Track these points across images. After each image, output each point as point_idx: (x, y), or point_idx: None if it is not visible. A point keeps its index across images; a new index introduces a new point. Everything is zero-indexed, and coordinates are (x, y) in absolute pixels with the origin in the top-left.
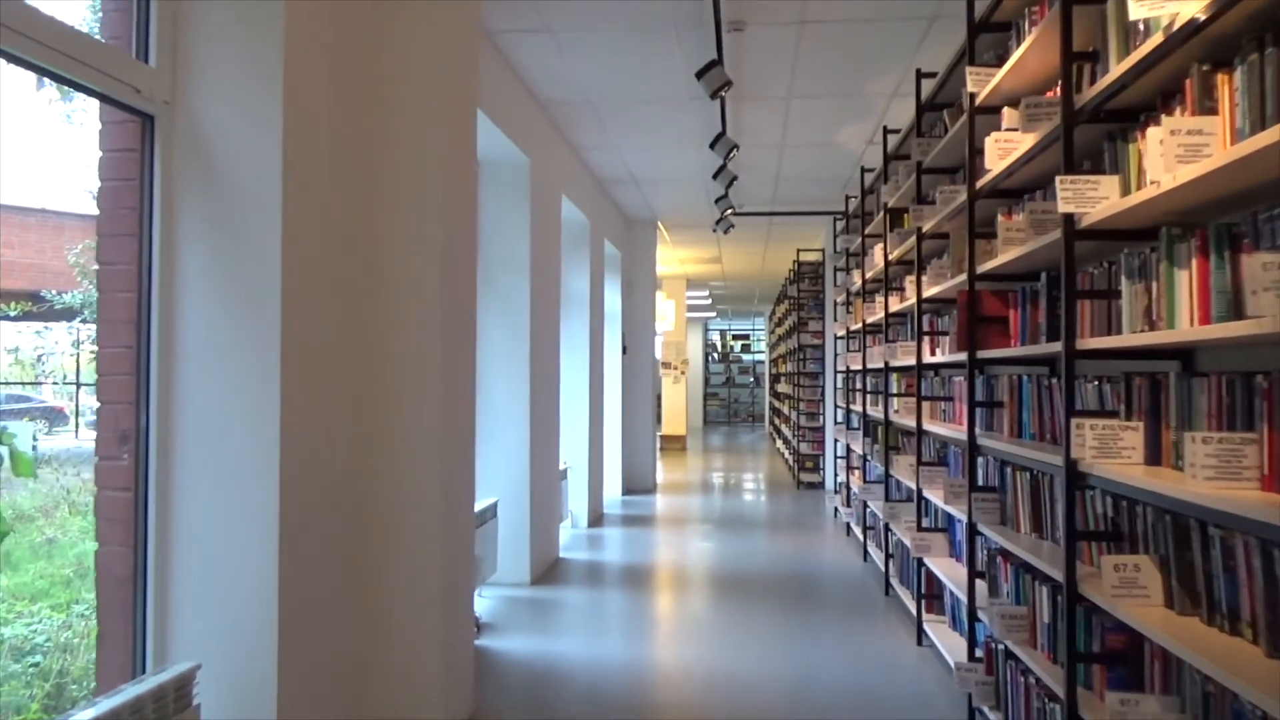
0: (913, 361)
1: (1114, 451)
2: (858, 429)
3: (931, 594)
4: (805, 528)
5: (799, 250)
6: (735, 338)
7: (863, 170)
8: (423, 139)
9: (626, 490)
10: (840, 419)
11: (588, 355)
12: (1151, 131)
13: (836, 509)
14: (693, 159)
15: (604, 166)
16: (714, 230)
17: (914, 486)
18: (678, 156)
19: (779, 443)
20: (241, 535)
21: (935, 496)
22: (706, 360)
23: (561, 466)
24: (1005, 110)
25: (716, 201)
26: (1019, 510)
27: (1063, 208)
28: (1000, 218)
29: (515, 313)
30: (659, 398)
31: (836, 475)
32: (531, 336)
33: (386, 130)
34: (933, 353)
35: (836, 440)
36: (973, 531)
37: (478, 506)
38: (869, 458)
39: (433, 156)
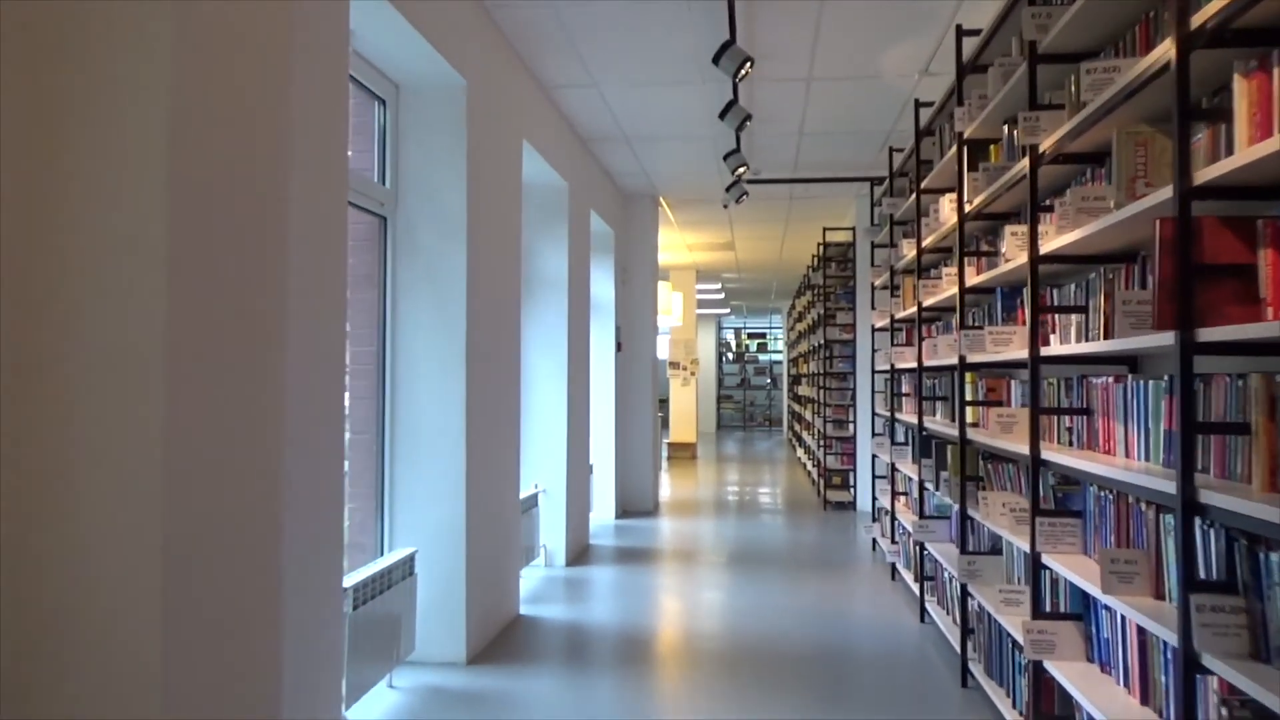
0: (1016, 353)
1: None
2: (906, 444)
3: (1056, 716)
4: (837, 566)
5: (825, 230)
6: (751, 336)
7: (917, 106)
8: None
9: (622, 512)
10: (880, 430)
11: (565, 352)
12: None
13: (875, 541)
14: (695, 104)
15: (585, 116)
16: (725, 206)
17: (1023, 545)
18: (676, 99)
19: (799, 451)
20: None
21: (1070, 569)
22: (720, 360)
23: (530, 491)
24: None
25: (726, 158)
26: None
27: None
28: (1240, 81)
29: (446, 292)
30: (664, 402)
31: (874, 498)
32: (472, 326)
33: None
34: (1045, 341)
35: (874, 457)
36: (1192, 665)
37: (378, 566)
38: (929, 485)
39: None
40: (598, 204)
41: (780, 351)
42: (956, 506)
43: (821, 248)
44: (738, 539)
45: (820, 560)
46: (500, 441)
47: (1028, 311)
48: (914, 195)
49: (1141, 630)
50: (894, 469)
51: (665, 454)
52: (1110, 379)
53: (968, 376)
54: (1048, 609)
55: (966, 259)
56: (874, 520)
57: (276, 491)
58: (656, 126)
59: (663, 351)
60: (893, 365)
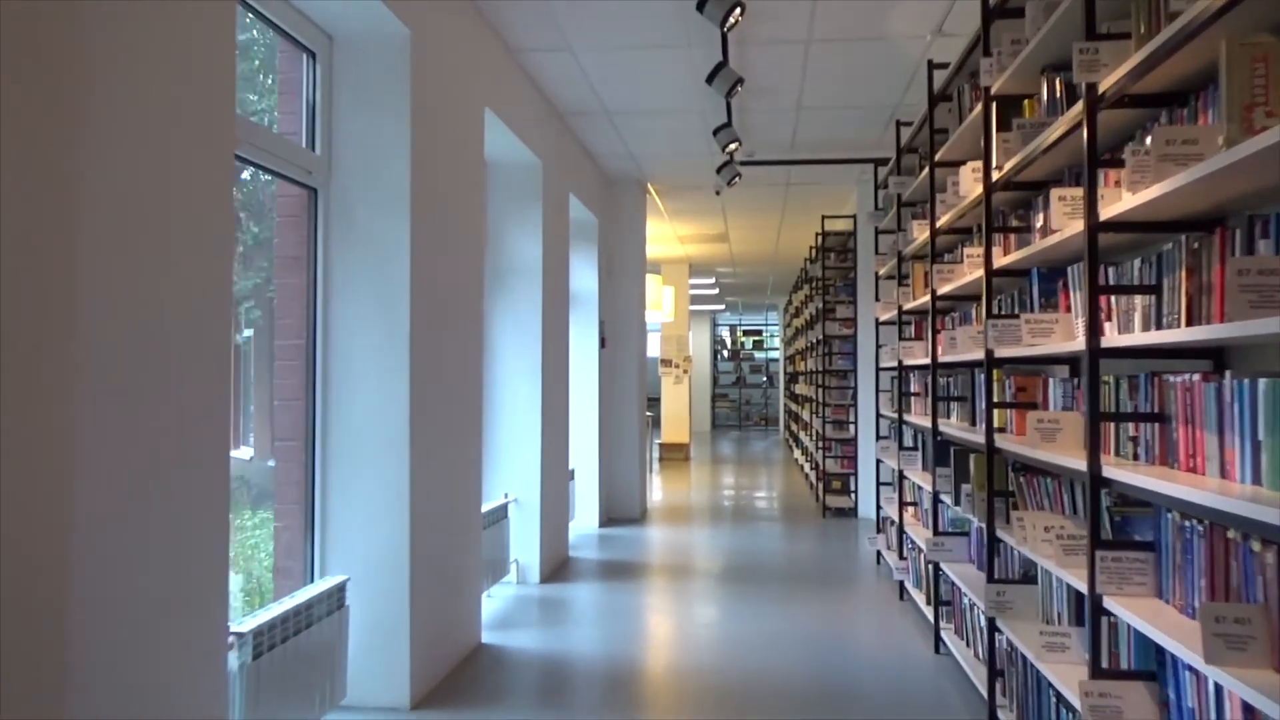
0: (1061, 346)
1: None
2: (915, 449)
3: None
4: (839, 582)
5: (823, 218)
6: (746, 333)
7: (931, 68)
8: None
9: (607, 520)
10: (885, 432)
11: (540, 347)
12: None
13: (879, 554)
14: (681, 72)
15: (559, 84)
16: (717, 192)
17: (1075, 582)
18: (660, 66)
19: (796, 452)
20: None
21: (1143, 618)
22: (715, 358)
23: (499, 501)
24: None
25: (716, 133)
26: None
27: None
28: None
29: (387, 276)
30: (655, 401)
31: (879, 507)
32: (418, 315)
33: None
34: (1100, 330)
35: (879, 462)
36: None
37: (293, 601)
38: (945, 497)
39: None
40: (579, 188)
41: (776, 349)
42: (978, 522)
43: (820, 238)
44: (731, 550)
45: (821, 575)
46: (457, 447)
47: (1079, 294)
48: (927, 169)
49: (1250, 709)
50: (901, 477)
51: (657, 455)
52: (1194, 377)
53: (994, 374)
54: (1106, 663)
55: (998, 237)
56: (878, 531)
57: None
58: (640, 98)
59: (654, 349)
60: (900, 362)
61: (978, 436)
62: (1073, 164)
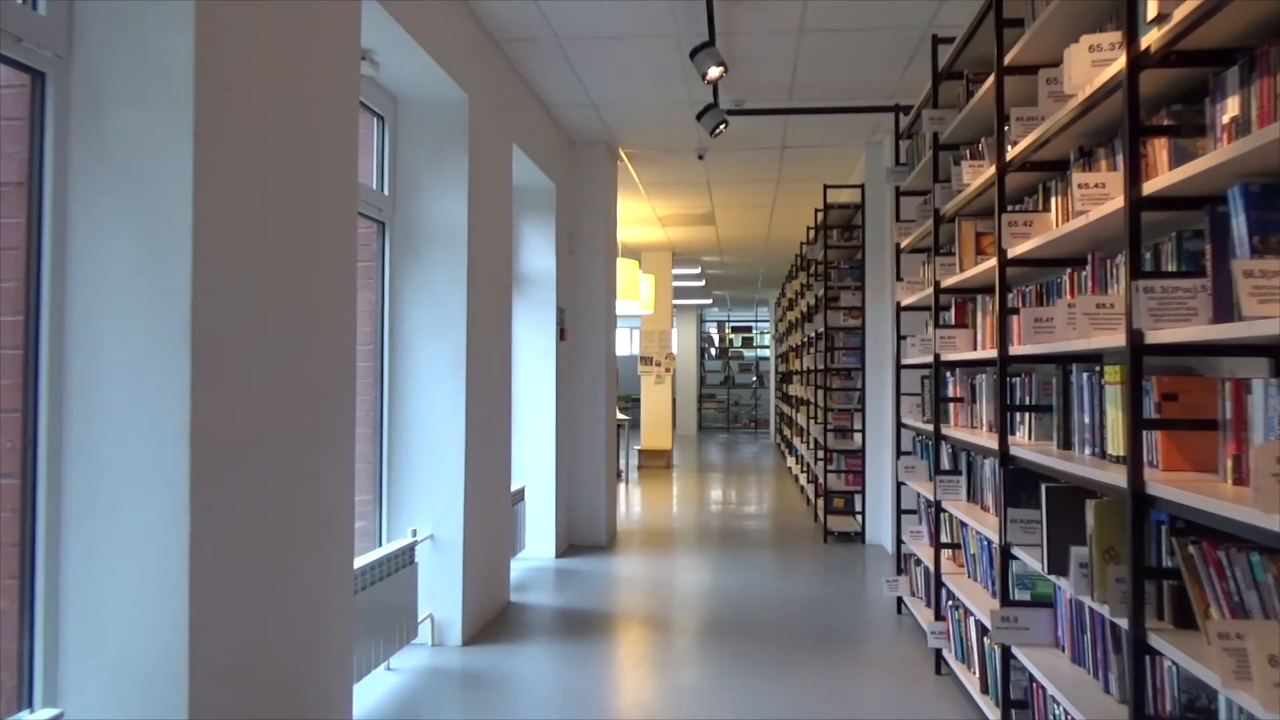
0: None
1: None
2: (957, 474)
3: None
4: (852, 642)
5: (826, 188)
6: (735, 330)
7: None
8: None
9: (568, 547)
10: (910, 446)
11: (464, 337)
12: None
13: (901, 602)
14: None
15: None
16: (700, 156)
17: None
18: None
19: (789, 460)
20: None
21: None
22: (702, 356)
23: (404, 541)
24: None
25: (694, 54)
26: None
27: None
28: None
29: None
30: (635, 402)
31: (899, 540)
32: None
33: None
34: None
35: (901, 484)
36: None
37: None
38: (1023, 554)
39: None
40: (528, 142)
41: (767, 347)
42: (1110, 616)
43: (820, 214)
44: (716, 591)
45: (828, 630)
46: (312, 486)
47: None
48: (990, 81)
49: None
50: (938, 510)
51: (635, 463)
52: None
53: (1140, 373)
54: None
55: (1141, 146)
56: (898, 571)
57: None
58: (597, 16)
59: (634, 345)
60: (937, 356)
61: (1094, 471)
62: None
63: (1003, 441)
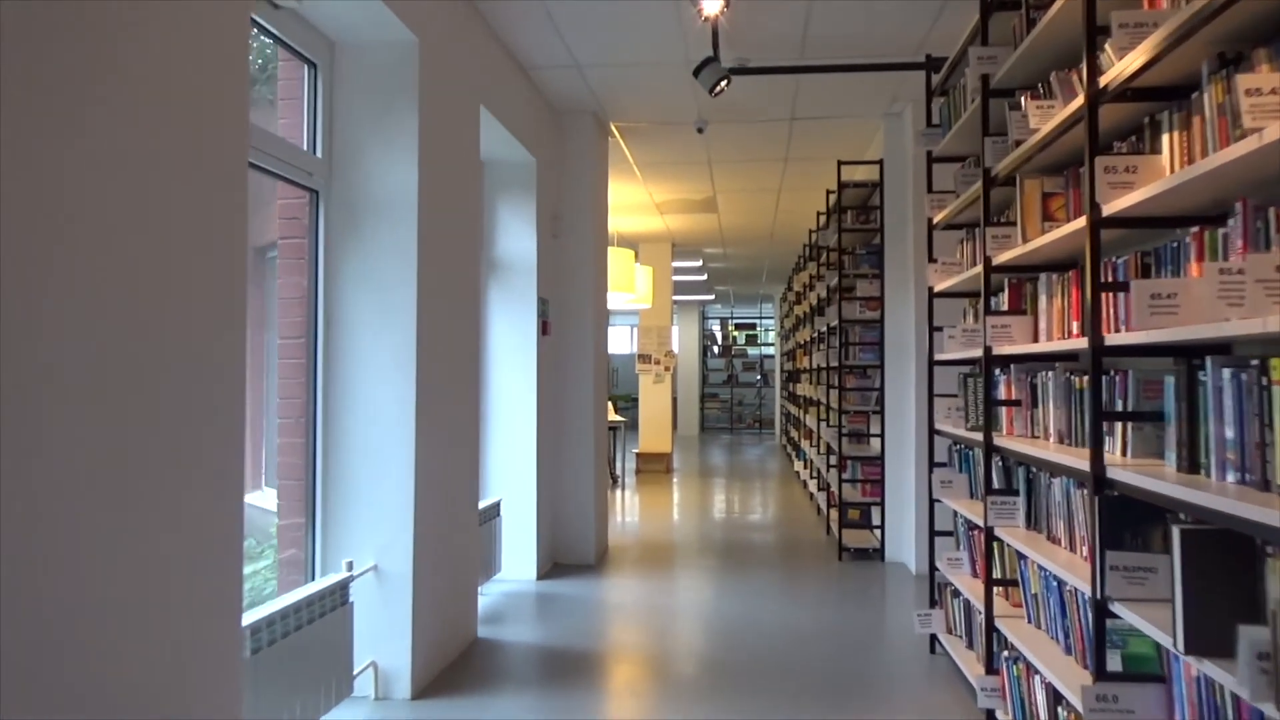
0: None
1: None
2: (1012, 495)
3: None
4: (880, 692)
5: (840, 164)
6: (739, 327)
7: None
8: None
9: (552, 567)
10: (945, 458)
11: (413, 327)
12: None
13: (935, 640)
14: None
15: None
16: (699, 130)
17: None
18: None
19: (797, 463)
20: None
21: None
22: (704, 354)
23: (339, 576)
24: None
25: None
26: None
27: None
28: None
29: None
30: (634, 401)
31: (933, 567)
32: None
33: None
34: None
35: (935, 501)
36: None
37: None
38: (1128, 614)
39: None
40: (500, 106)
41: (772, 344)
42: (1267, 710)
43: (834, 196)
44: (719, 624)
45: (850, 677)
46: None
47: None
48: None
49: None
50: (989, 538)
51: (633, 467)
52: None
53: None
54: None
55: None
56: (932, 604)
57: None
58: None
59: (631, 342)
60: (988, 350)
61: (1272, 513)
62: None
63: (1096, 459)
